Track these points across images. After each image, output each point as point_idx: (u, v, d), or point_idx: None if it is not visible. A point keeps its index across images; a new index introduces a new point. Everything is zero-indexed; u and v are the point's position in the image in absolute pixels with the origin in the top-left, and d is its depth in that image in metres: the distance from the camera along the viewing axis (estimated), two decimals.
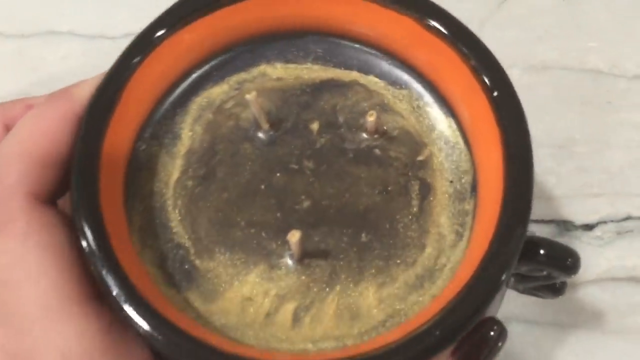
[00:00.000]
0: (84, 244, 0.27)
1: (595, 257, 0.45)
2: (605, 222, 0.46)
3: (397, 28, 0.32)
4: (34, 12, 0.53)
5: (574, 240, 0.46)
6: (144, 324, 0.26)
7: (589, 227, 0.46)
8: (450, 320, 0.27)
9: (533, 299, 0.42)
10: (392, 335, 0.27)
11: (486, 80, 0.30)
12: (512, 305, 0.43)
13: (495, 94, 0.30)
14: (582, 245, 0.45)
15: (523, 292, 0.35)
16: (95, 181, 0.29)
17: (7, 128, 0.31)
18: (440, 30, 0.31)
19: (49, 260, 0.27)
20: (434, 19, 0.31)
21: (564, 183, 0.47)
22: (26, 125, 0.29)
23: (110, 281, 0.27)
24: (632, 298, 0.44)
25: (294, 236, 0.28)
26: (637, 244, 0.46)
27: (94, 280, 0.28)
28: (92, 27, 0.52)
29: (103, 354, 0.27)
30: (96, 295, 0.28)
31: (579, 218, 0.46)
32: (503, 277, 0.27)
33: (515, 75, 0.49)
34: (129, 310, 0.27)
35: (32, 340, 0.27)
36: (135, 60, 0.31)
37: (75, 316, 0.27)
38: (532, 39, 0.52)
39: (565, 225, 0.46)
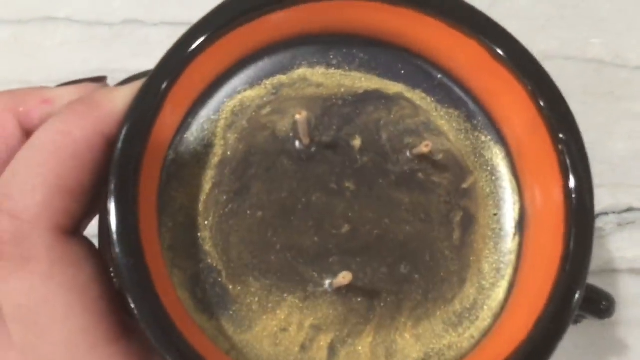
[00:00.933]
0: (120, 268, 0.25)
1: (596, 249, 0.44)
2: (606, 214, 0.47)
3: (459, 49, 0.30)
4: None
5: None
6: None
7: None
8: None
9: None
10: None
11: (552, 120, 0.29)
12: None
13: (562, 136, 0.28)
14: None
15: None
16: (135, 204, 0.26)
17: (22, 125, 0.28)
18: (509, 62, 0.29)
19: (74, 300, 0.25)
20: (502, 48, 0.29)
21: None
22: (47, 143, 0.25)
23: (147, 316, 0.25)
24: (633, 290, 0.45)
25: (346, 278, 0.27)
26: (638, 236, 0.46)
27: (121, 318, 0.26)
28: (89, 14, 0.50)
29: None
30: (124, 334, 0.26)
31: None
32: (559, 341, 0.27)
33: None
34: (163, 345, 0.25)
35: None
36: (176, 69, 0.28)
37: (104, 358, 0.25)
38: (534, 29, 0.51)
39: None
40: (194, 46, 0.28)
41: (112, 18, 0.50)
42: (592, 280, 0.43)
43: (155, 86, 0.27)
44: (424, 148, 0.29)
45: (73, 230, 0.26)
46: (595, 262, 0.45)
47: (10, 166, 0.25)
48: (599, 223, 0.46)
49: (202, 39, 0.28)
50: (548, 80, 0.29)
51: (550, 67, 0.48)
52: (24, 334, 0.25)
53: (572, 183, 0.28)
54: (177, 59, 0.28)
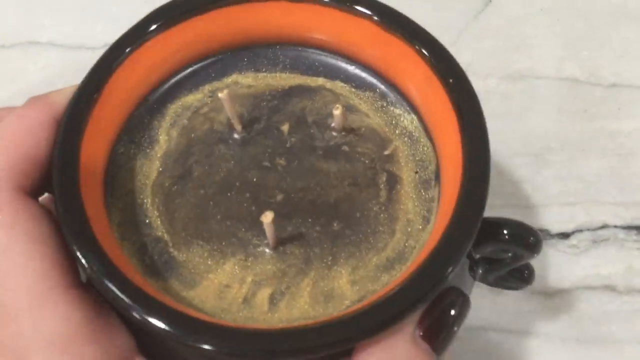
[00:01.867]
0: (66, 231, 0.29)
1: (571, 266, 0.46)
2: (581, 231, 0.47)
3: (357, 31, 0.35)
4: (14, 22, 0.54)
5: (549, 248, 0.46)
6: (125, 298, 0.27)
7: (564, 236, 0.47)
8: (410, 289, 0.28)
9: (509, 306, 0.43)
10: (358, 307, 0.28)
11: (442, 70, 0.32)
12: (488, 314, 0.44)
13: (451, 81, 0.32)
14: (558, 254, 0.46)
15: (492, 284, 0.36)
16: (75, 179, 0.30)
17: None
18: (395, 29, 0.34)
19: (35, 249, 0.28)
20: (388, 19, 0.34)
21: (540, 191, 0.48)
22: (10, 124, 0.31)
23: (94, 262, 0.28)
24: (607, 306, 0.45)
25: (267, 217, 0.30)
26: (612, 253, 0.47)
27: (76, 270, 0.29)
28: (71, 38, 0.53)
29: (88, 339, 0.28)
30: (80, 284, 0.29)
31: (555, 226, 0.47)
32: (462, 248, 0.29)
33: (492, 84, 0.51)
34: (111, 285, 0.28)
35: (18, 327, 0.27)
36: (112, 67, 0.33)
37: (61, 302, 0.28)
38: (509, 49, 0.54)
39: (541, 234, 0.46)
40: (128, 46, 0.34)
41: (94, 42, 0.53)
42: (567, 297, 0.45)
43: (91, 83, 0.33)
44: (335, 111, 0.33)
45: (32, 193, 0.30)
46: (569, 279, 0.45)
47: None
48: (573, 240, 0.47)
49: (135, 41, 0.34)
50: (430, 37, 0.33)
51: (525, 86, 0.51)
52: None
53: (464, 117, 0.31)
54: (111, 60, 0.33)
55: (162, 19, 0.34)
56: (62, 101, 0.32)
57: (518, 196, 0.48)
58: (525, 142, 0.50)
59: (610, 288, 0.45)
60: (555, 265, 0.46)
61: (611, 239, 0.47)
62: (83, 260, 0.28)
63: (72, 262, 0.29)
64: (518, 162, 0.49)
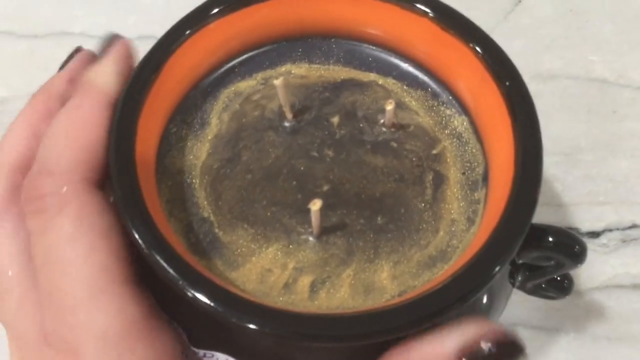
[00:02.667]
0: (121, 204, 0.29)
1: (601, 265, 0.46)
2: (610, 230, 0.48)
3: (414, 29, 0.35)
4: (47, 13, 0.55)
5: None
6: (174, 273, 0.28)
7: (594, 235, 0.47)
8: (454, 286, 0.28)
9: (540, 304, 0.44)
10: (401, 300, 0.28)
11: (498, 72, 0.32)
12: (518, 311, 0.44)
13: (507, 83, 0.32)
14: (588, 253, 0.46)
15: (530, 292, 0.36)
16: (131, 154, 0.30)
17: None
18: (455, 30, 0.34)
19: (98, 241, 0.28)
20: (448, 19, 0.34)
21: (570, 191, 0.49)
22: (68, 116, 0.31)
23: (146, 235, 0.28)
24: (636, 305, 0.45)
25: (315, 204, 0.30)
26: None
27: (135, 267, 0.29)
28: (104, 29, 0.53)
29: (141, 337, 0.28)
30: (139, 281, 0.29)
31: (585, 225, 0.48)
32: (510, 250, 0.29)
33: None
34: (160, 259, 0.28)
35: (73, 318, 0.28)
36: (171, 48, 0.33)
37: (118, 296, 0.28)
38: (538, 49, 0.54)
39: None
40: (185, 30, 0.34)
41: (127, 34, 0.51)
42: (597, 295, 0.45)
43: (150, 63, 0.33)
44: (387, 106, 0.33)
45: (97, 184, 0.30)
46: (599, 278, 0.46)
47: (43, 141, 0.31)
48: (602, 239, 0.47)
49: (192, 26, 0.34)
50: (488, 39, 0.33)
51: (555, 87, 0.52)
52: (49, 275, 0.28)
53: (518, 122, 0.31)
54: (170, 42, 0.34)
55: (223, 3, 0.35)
56: (112, 85, 0.32)
57: (549, 195, 0.48)
58: (555, 141, 0.50)
59: None
60: (585, 263, 0.45)
61: None
62: (135, 233, 0.28)
63: (131, 258, 0.29)
64: (548, 161, 0.48)
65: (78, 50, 0.35)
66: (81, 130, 0.30)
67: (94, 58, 0.34)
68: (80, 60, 0.34)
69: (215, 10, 0.34)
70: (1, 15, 0.55)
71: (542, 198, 0.47)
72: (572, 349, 0.44)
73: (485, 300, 0.32)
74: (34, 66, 0.53)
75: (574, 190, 0.49)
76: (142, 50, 0.32)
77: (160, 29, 0.35)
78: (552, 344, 0.44)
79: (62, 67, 0.35)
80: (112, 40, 0.34)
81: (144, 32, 0.53)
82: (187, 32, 0.34)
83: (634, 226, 0.48)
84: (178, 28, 0.34)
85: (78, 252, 0.28)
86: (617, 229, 0.48)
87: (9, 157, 0.32)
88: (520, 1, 0.56)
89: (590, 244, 0.47)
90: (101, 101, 0.31)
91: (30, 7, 0.55)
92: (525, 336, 0.44)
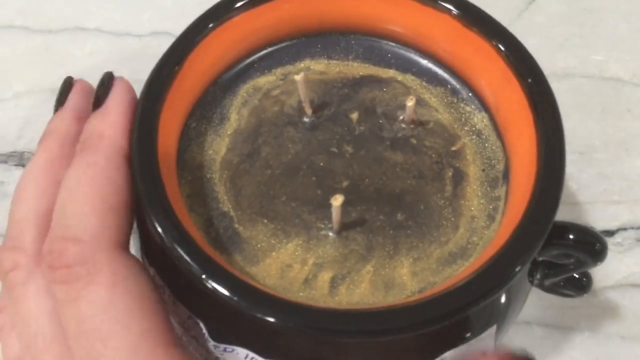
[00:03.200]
0: (144, 198, 0.29)
1: (615, 263, 0.46)
2: (625, 229, 0.47)
3: (434, 24, 0.35)
4: (62, 8, 0.55)
5: None
6: (197, 267, 0.28)
7: (609, 234, 0.47)
8: (477, 283, 0.28)
9: (554, 302, 0.44)
10: (423, 296, 0.28)
11: (520, 69, 0.32)
12: (533, 309, 0.44)
13: (530, 80, 0.32)
14: None
15: (548, 290, 0.36)
16: (154, 148, 0.30)
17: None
18: (477, 26, 0.34)
19: (135, 306, 0.28)
20: (470, 15, 0.34)
21: (584, 189, 0.48)
22: (86, 178, 0.30)
23: (169, 229, 0.28)
24: None
25: (337, 200, 0.30)
26: None
27: (174, 328, 0.29)
28: (118, 25, 0.54)
29: None
30: (178, 342, 0.29)
31: (600, 224, 0.47)
32: (532, 248, 0.29)
33: None
34: (184, 253, 0.28)
35: None
36: (194, 41, 0.33)
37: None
38: (553, 47, 0.54)
39: None
40: (206, 26, 0.34)
41: (140, 30, 0.53)
42: (611, 294, 0.45)
43: (168, 64, 0.33)
44: (408, 102, 0.33)
45: (125, 245, 0.30)
46: (614, 277, 0.45)
47: (58, 204, 0.30)
48: (617, 238, 0.47)
49: (212, 22, 0.34)
50: (510, 36, 0.33)
51: (569, 85, 0.52)
52: (87, 344, 0.27)
53: (541, 119, 0.31)
54: (190, 37, 0.33)
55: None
56: (123, 137, 0.31)
57: (564, 193, 0.47)
58: (570, 140, 0.49)
59: None
60: None
61: None
62: (158, 227, 0.28)
63: (169, 321, 0.29)
64: None
65: (70, 82, 0.34)
66: (103, 191, 0.29)
67: (92, 91, 0.33)
68: (80, 94, 0.34)
69: (238, 5, 0.34)
70: (16, 10, 0.55)
71: None
72: (586, 348, 0.43)
73: (504, 298, 0.32)
74: (48, 61, 0.52)
75: (588, 188, 0.49)
76: (155, 45, 0.32)
77: (174, 25, 0.35)
78: (566, 342, 0.44)
79: (58, 101, 0.34)
80: (110, 81, 0.33)
81: (158, 29, 0.53)
82: (210, 25, 0.34)
83: None
84: (200, 22, 0.34)
85: (116, 320, 0.27)
86: (632, 228, 0.47)
87: (34, 206, 0.31)
88: (534, 0, 0.56)
89: None
90: (116, 157, 0.30)
91: (44, 3, 0.55)
92: (539, 334, 0.44)
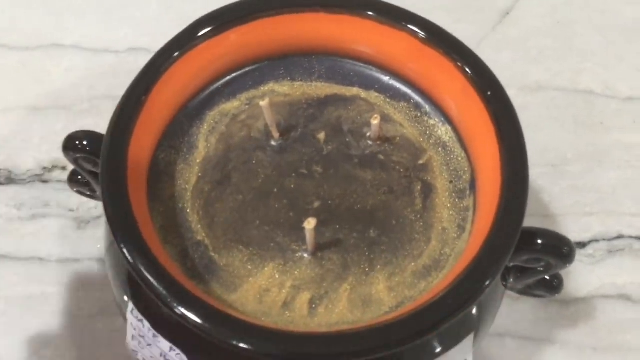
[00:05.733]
0: (116, 233, 0.29)
1: (587, 275, 0.46)
2: (597, 241, 0.48)
3: (395, 43, 0.35)
4: (39, 25, 0.54)
5: None
6: (172, 299, 0.28)
7: (581, 245, 0.47)
8: (453, 296, 0.29)
9: (527, 315, 0.44)
10: (399, 314, 0.29)
11: (479, 82, 0.33)
12: (506, 322, 0.44)
13: (489, 93, 0.33)
14: (574, 264, 0.45)
15: (521, 292, 0.37)
16: (123, 182, 0.31)
17: None
18: (435, 42, 0.35)
19: None
20: (428, 33, 0.35)
21: (557, 201, 0.49)
22: None
23: (142, 263, 0.29)
24: (622, 315, 0.45)
25: (310, 224, 0.30)
26: (628, 263, 0.47)
27: None
28: (95, 42, 0.54)
29: None
30: None
31: (572, 236, 0.47)
32: (503, 257, 0.30)
33: (510, 95, 0.50)
34: (159, 287, 0.28)
35: None
36: (152, 79, 0.34)
37: None
38: (526, 60, 0.54)
39: None
40: (169, 57, 0.34)
41: (118, 46, 0.53)
42: (583, 306, 0.45)
43: (135, 94, 0.33)
44: (373, 120, 0.34)
45: None
46: (585, 288, 0.46)
47: None
48: (589, 250, 0.47)
49: (175, 52, 0.34)
50: (468, 51, 0.34)
51: (542, 98, 0.52)
52: None
53: (502, 129, 0.32)
54: (152, 71, 0.34)
55: (208, 26, 0.35)
56: None
57: (536, 206, 0.49)
58: (543, 153, 0.50)
59: (626, 297, 0.46)
60: (572, 274, 0.46)
61: (626, 249, 0.48)
62: (131, 262, 0.29)
63: None
64: (535, 172, 0.49)
65: None
66: None
67: None
68: None
69: (201, 33, 0.35)
70: None
71: (529, 209, 0.47)
72: (557, 359, 0.44)
73: (479, 307, 0.33)
74: (25, 78, 0.52)
75: (560, 201, 0.49)
76: (132, 61, 0.32)
77: (151, 42, 0.36)
78: (538, 354, 0.44)
79: None
80: None
81: (135, 45, 0.53)
82: (175, 54, 0.34)
83: (620, 237, 0.48)
84: (165, 51, 0.34)
85: None
86: (604, 240, 0.48)
87: None
88: (508, 13, 0.57)
89: (577, 255, 0.46)
90: None
91: (21, 20, 0.55)
92: (512, 346, 0.44)
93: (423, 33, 0.35)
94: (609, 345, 0.44)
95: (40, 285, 0.45)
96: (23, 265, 0.46)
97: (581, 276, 0.46)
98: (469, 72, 0.34)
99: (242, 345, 0.27)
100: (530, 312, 0.45)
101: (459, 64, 0.34)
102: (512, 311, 0.45)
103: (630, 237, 0.48)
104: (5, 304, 0.44)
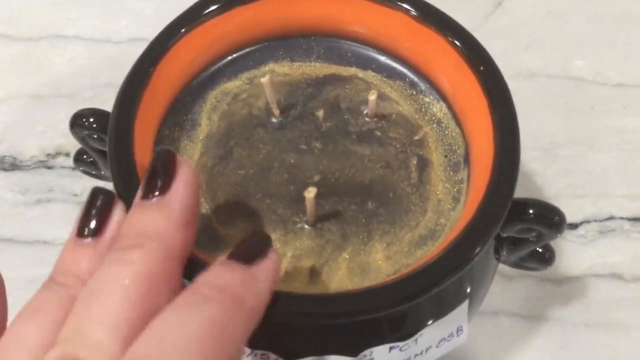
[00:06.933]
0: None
1: (579, 255, 0.48)
2: (588, 222, 0.49)
3: (390, 22, 0.37)
4: (41, 16, 0.56)
5: (559, 238, 0.48)
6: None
7: (573, 226, 0.49)
8: (444, 261, 0.30)
9: (520, 292, 0.45)
10: (397, 276, 0.30)
11: (471, 58, 0.35)
12: (499, 300, 0.46)
13: (482, 68, 0.34)
14: (567, 244, 0.48)
15: (514, 265, 0.38)
16: (131, 157, 0.32)
17: None
18: (428, 20, 0.36)
19: None
20: (421, 11, 0.36)
21: (549, 184, 0.50)
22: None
23: None
24: (613, 294, 0.47)
25: (310, 192, 0.31)
26: (618, 243, 0.49)
27: None
28: (97, 32, 0.55)
29: None
30: None
31: None
32: (494, 225, 0.31)
33: None
34: None
35: None
36: (155, 58, 0.35)
37: None
38: (519, 48, 0.56)
39: None
40: (170, 38, 0.35)
41: (119, 36, 0.54)
42: (575, 284, 0.47)
43: (142, 67, 0.34)
44: (370, 96, 0.35)
45: None
46: (578, 268, 0.47)
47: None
48: (581, 230, 0.49)
49: (177, 33, 0.36)
50: (460, 28, 0.35)
51: (535, 85, 0.54)
52: None
53: (494, 102, 0.33)
54: (155, 51, 0.35)
55: (214, 4, 0.36)
56: (178, 240, 0.26)
57: (529, 188, 0.50)
58: (535, 137, 0.52)
59: (617, 276, 0.47)
60: (564, 254, 0.48)
61: (617, 229, 0.49)
62: None
63: None
64: (528, 156, 0.51)
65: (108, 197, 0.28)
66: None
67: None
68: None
69: (207, 11, 0.36)
70: None
71: (522, 191, 0.49)
72: (551, 336, 0.45)
73: (473, 275, 0.34)
74: (29, 68, 0.54)
75: (553, 183, 0.50)
76: (134, 52, 0.33)
77: (152, 32, 0.36)
78: (532, 331, 0.45)
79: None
80: (172, 165, 0.27)
81: (136, 35, 0.55)
82: (182, 30, 0.36)
83: (611, 218, 0.49)
84: (173, 27, 0.35)
85: None
86: (595, 221, 0.49)
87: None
88: (500, 3, 0.58)
89: (569, 235, 0.48)
90: (172, 264, 0.26)
91: (24, 11, 0.56)
92: (506, 324, 0.45)
93: (416, 11, 0.36)
94: (601, 322, 0.46)
95: (45, 268, 0.44)
96: (28, 248, 0.47)
97: (573, 256, 0.48)
98: (461, 47, 0.35)
99: None
100: (524, 291, 0.46)
101: (451, 40, 0.35)
102: (506, 290, 0.46)
103: (621, 218, 0.49)
104: (11, 285, 0.44)
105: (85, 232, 0.27)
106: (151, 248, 0.25)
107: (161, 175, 0.27)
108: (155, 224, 0.26)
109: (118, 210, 0.28)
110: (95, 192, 0.28)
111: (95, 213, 0.27)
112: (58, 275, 0.26)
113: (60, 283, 0.26)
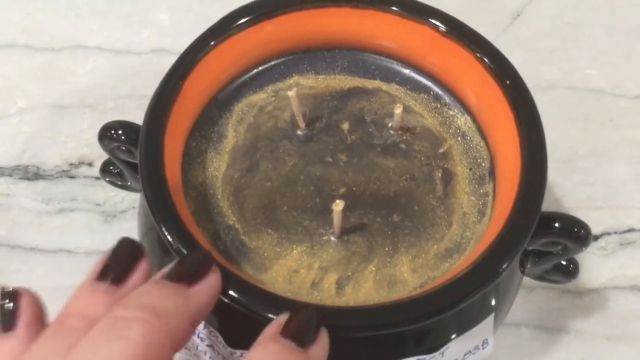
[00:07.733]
0: (157, 219, 0.30)
1: (599, 267, 0.48)
2: (608, 234, 0.49)
3: (416, 37, 0.37)
4: (64, 27, 0.56)
5: None
6: None
7: (593, 238, 0.48)
8: (474, 275, 0.30)
9: (541, 304, 0.45)
10: (425, 290, 0.30)
11: (498, 72, 0.35)
12: (521, 311, 0.46)
13: (508, 82, 0.34)
14: (587, 256, 0.48)
15: (538, 278, 0.38)
16: (161, 169, 0.32)
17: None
18: (455, 35, 0.36)
19: None
20: (448, 26, 0.36)
21: (569, 196, 0.50)
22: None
23: (183, 244, 0.30)
24: (634, 306, 0.47)
25: (338, 205, 0.31)
26: (639, 255, 0.48)
27: None
28: (118, 43, 0.55)
29: None
30: None
31: None
32: (522, 239, 0.31)
33: None
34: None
35: None
36: (185, 70, 0.35)
37: None
38: (537, 60, 0.56)
39: None
40: (198, 53, 0.36)
41: (140, 47, 0.55)
42: (596, 296, 0.47)
43: (173, 79, 0.34)
44: (396, 110, 0.35)
45: None
46: (598, 279, 0.47)
47: None
48: (601, 242, 0.49)
49: (204, 48, 0.36)
50: (487, 43, 0.36)
51: (554, 96, 0.54)
52: None
53: (521, 117, 0.34)
54: (184, 65, 0.35)
55: (243, 17, 0.37)
56: (181, 328, 0.26)
57: (548, 200, 0.50)
58: (555, 149, 0.51)
59: (637, 288, 0.47)
60: (585, 266, 0.48)
61: (637, 241, 0.49)
62: (174, 244, 0.30)
63: None
64: (548, 168, 0.50)
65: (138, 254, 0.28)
66: None
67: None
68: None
69: (235, 25, 0.36)
70: (20, 30, 0.56)
71: (543, 203, 0.49)
72: (572, 348, 0.45)
73: (499, 289, 0.34)
74: (51, 78, 0.54)
75: (572, 195, 0.50)
76: (155, 62, 0.33)
77: (172, 43, 0.36)
78: (553, 343, 0.45)
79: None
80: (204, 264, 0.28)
81: (157, 46, 0.55)
82: (211, 43, 0.36)
83: (631, 230, 0.49)
84: (202, 40, 0.36)
85: None
86: (615, 233, 0.49)
87: None
88: (519, 15, 0.58)
89: (590, 247, 0.48)
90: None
91: (47, 22, 0.56)
92: (527, 335, 0.45)
93: (443, 26, 0.36)
94: (621, 334, 0.46)
95: (69, 277, 0.46)
96: (52, 257, 0.47)
97: (594, 268, 0.48)
98: (488, 62, 0.35)
99: (270, 314, 0.29)
100: (545, 303, 0.46)
101: (479, 55, 0.35)
102: (527, 302, 0.46)
103: None
104: None
105: (106, 277, 0.27)
106: (154, 326, 0.25)
107: (195, 268, 0.28)
108: (168, 304, 0.26)
109: (143, 265, 0.28)
110: (125, 241, 0.28)
111: (121, 260, 0.27)
112: (71, 319, 0.26)
113: (74, 328, 0.26)
